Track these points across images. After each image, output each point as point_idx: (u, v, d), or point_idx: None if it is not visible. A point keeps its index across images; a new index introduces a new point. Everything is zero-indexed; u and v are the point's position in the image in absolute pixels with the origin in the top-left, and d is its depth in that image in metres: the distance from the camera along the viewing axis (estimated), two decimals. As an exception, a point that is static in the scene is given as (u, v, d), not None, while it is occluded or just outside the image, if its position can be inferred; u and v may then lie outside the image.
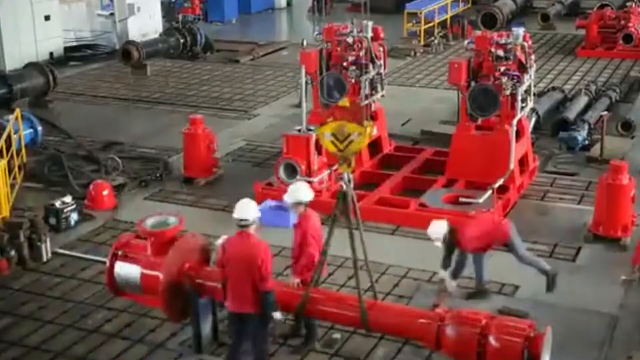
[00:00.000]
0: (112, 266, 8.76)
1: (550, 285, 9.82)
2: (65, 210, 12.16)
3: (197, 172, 14.00)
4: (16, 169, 13.65)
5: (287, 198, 8.84)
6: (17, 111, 14.75)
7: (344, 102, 10.56)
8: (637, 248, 10.71)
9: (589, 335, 9.13)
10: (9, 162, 13.18)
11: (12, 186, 13.02)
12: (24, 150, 14.47)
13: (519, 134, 13.08)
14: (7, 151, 13.26)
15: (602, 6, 25.32)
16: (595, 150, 14.71)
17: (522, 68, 12.92)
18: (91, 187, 13.05)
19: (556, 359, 8.67)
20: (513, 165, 12.67)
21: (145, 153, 15.53)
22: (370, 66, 13.71)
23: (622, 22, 23.41)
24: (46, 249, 11.24)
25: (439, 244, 9.67)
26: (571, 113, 16.15)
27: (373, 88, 13.93)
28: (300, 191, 8.83)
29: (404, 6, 26.54)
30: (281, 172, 12.75)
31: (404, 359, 8.86)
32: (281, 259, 10.65)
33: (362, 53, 13.78)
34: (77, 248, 11.60)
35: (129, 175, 14.18)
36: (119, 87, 20.99)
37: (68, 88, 20.63)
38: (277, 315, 8.19)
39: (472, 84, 12.94)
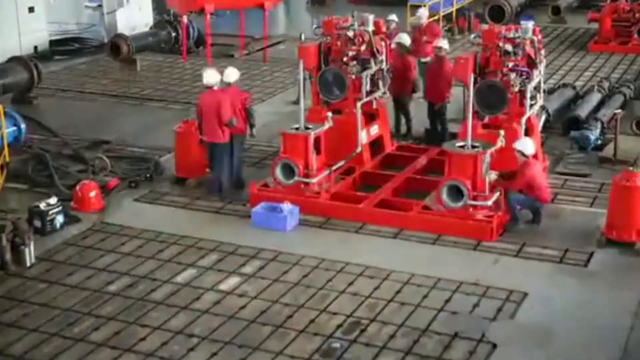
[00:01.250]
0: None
1: None
2: (50, 212, 12.15)
3: (188, 172, 14.00)
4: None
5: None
6: (0, 108, 14.75)
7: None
8: None
9: (602, 345, 9.14)
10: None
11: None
12: (6, 149, 14.46)
13: (528, 133, 13.09)
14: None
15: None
16: (608, 150, 14.72)
17: (532, 64, 12.94)
18: (78, 188, 13.06)
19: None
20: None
21: (135, 152, 15.54)
22: (372, 61, 13.74)
23: (637, 15, 23.43)
24: (30, 252, 11.24)
25: None
26: (583, 111, 16.18)
27: (374, 84, 13.97)
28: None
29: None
30: (278, 173, 12.75)
31: (406, 369, 8.89)
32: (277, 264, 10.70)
33: (363, 48, 13.81)
34: (63, 252, 11.61)
35: (117, 175, 14.19)
36: (107, 82, 20.99)
37: (53, 83, 20.63)
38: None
39: (479, 80, 12.94)
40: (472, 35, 14.43)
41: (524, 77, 12.79)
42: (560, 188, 13.55)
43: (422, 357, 9.04)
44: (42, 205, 12.17)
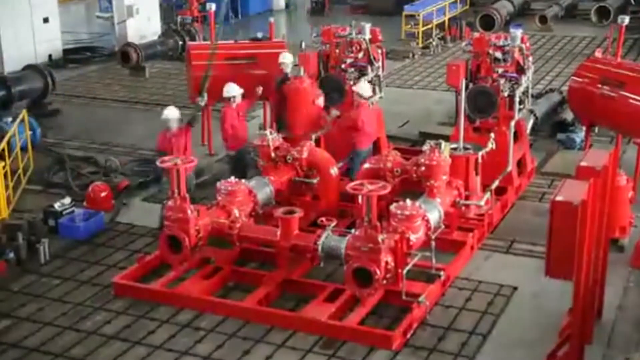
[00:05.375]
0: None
1: None
2: (64, 212, 12.15)
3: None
4: (21, 170, 13.66)
5: None
6: (24, 112, 14.75)
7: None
8: (636, 249, 10.73)
9: (587, 337, 9.13)
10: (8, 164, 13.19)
11: (12, 188, 13.03)
12: (19, 152, 14.45)
13: (516, 136, 13.09)
14: (9, 153, 13.27)
15: (600, 8, 25.34)
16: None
17: (520, 70, 12.93)
18: (90, 189, 13.04)
19: None
20: (511, 166, 12.67)
21: (144, 155, 15.50)
22: (369, 68, 13.73)
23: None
24: (44, 250, 11.24)
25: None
26: (569, 115, 16.15)
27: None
28: None
29: (402, 8, 26.57)
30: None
31: (402, 360, 8.88)
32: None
33: (360, 55, 13.81)
34: (75, 250, 11.59)
35: (127, 176, 14.17)
36: (117, 89, 20.98)
37: (67, 90, 20.61)
38: None
39: (470, 85, 12.93)
40: (464, 43, 14.42)
41: (513, 82, 12.79)
42: (548, 188, 13.54)
43: (417, 348, 9.04)
44: (57, 206, 12.18)
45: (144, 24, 24.25)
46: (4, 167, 12.33)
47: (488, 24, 26.17)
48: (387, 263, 9.33)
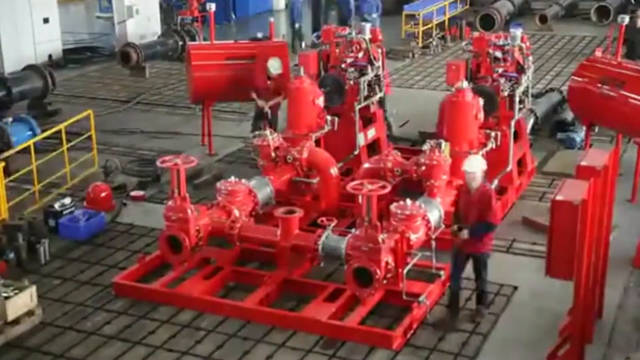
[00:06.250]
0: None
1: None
2: (64, 213, 12.15)
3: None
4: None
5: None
6: None
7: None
8: (639, 249, 10.73)
9: (588, 336, 9.12)
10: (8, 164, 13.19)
11: (12, 188, 13.02)
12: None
13: (517, 135, 13.09)
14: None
15: (600, 7, 25.32)
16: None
17: (520, 69, 12.93)
18: (90, 189, 13.04)
19: None
20: (511, 166, 12.67)
21: (145, 155, 15.51)
22: (369, 68, 13.73)
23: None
24: (45, 251, 11.24)
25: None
26: (569, 114, 16.16)
27: (371, 90, 13.96)
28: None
29: (402, 7, 26.57)
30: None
31: (402, 360, 8.88)
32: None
33: (360, 55, 13.80)
34: (75, 250, 11.59)
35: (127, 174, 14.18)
36: (117, 89, 20.97)
37: (67, 90, 20.60)
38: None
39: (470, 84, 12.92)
40: (464, 43, 14.43)
41: (513, 82, 12.78)
42: (548, 187, 13.54)
43: (417, 348, 9.04)
44: (57, 206, 12.18)
45: (144, 24, 24.25)
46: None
47: (488, 23, 26.15)
48: (387, 263, 9.34)
